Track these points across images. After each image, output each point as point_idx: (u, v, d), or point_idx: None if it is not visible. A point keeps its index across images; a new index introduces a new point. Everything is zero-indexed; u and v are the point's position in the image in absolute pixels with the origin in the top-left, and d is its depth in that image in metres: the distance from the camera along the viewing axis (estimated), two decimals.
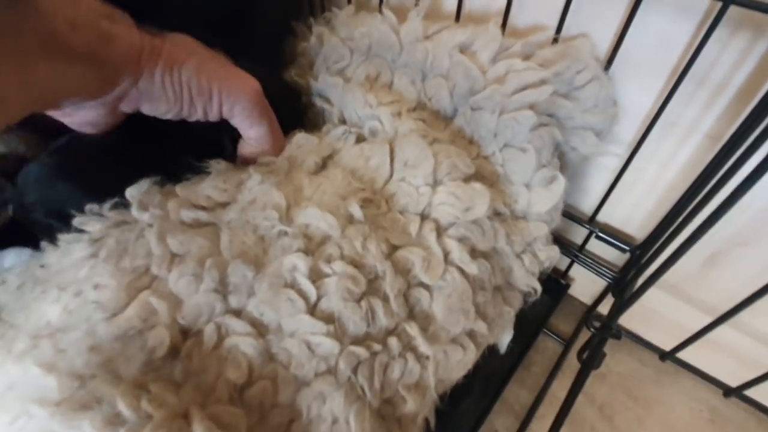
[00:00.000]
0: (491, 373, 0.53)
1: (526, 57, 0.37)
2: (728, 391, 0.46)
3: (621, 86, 0.39)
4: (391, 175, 0.37)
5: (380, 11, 0.46)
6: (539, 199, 0.37)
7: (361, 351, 0.28)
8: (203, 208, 0.32)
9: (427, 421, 0.33)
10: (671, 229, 0.39)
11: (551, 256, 0.38)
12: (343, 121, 0.44)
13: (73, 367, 0.24)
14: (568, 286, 0.61)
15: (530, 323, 0.57)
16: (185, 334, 0.27)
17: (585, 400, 0.54)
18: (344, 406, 0.27)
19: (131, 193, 0.32)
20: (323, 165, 0.39)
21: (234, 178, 0.35)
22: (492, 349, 0.39)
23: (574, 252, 0.54)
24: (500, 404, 0.52)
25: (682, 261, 0.34)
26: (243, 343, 0.26)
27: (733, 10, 0.30)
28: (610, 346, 0.49)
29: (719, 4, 0.30)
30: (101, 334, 0.26)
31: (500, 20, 0.40)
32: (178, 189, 0.33)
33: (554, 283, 0.61)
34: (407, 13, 0.43)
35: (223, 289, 0.28)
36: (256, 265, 0.29)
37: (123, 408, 0.22)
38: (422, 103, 0.42)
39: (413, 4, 0.46)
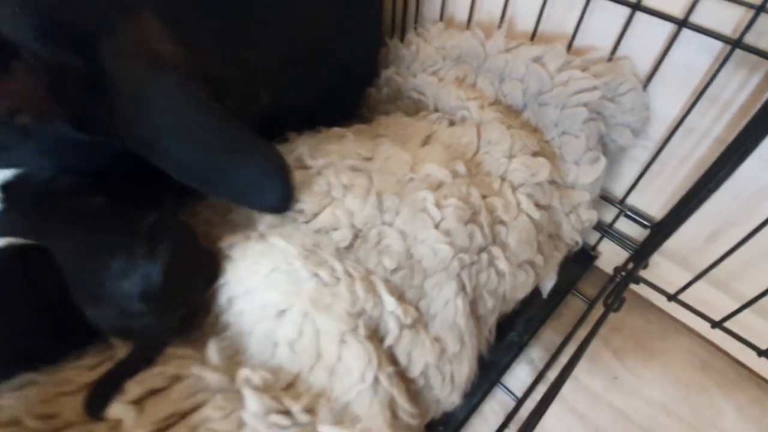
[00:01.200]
0: (531, 317, 0.67)
1: (584, 69, 0.51)
2: (714, 324, 0.59)
3: (655, 98, 0.53)
4: (478, 150, 0.51)
5: (467, 28, 0.61)
6: (585, 173, 0.51)
7: (465, 257, 0.43)
8: (356, 159, 0.47)
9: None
10: (684, 212, 0.53)
11: (591, 218, 0.52)
12: (435, 110, 0.59)
13: (302, 242, 0.39)
14: (595, 257, 0.74)
15: (563, 284, 0.71)
16: (356, 235, 0.42)
17: (603, 345, 0.68)
18: (454, 293, 0.42)
19: (301, 149, 0.47)
20: (426, 141, 0.53)
21: (368, 143, 0.50)
22: (535, 294, 0.53)
23: (604, 228, 0.68)
24: (536, 341, 0.66)
25: (690, 236, 0.47)
26: (394, 243, 0.41)
27: (738, 52, 0.44)
28: (626, 308, 0.63)
29: (729, 47, 0.44)
30: (304, 229, 0.41)
31: (566, 42, 0.54)
32: (332, 147, 0.48)
33: (584, 254, 0.74)
34: (489, 31, 0.58)
35: (380, 208, 0.43)
36: (399, 197, 0.43)
37: (335, 264, 0.37)
38: (498, 100, 0.57)
39: (494, 24, 0.60)
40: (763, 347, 0.54)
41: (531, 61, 0.52)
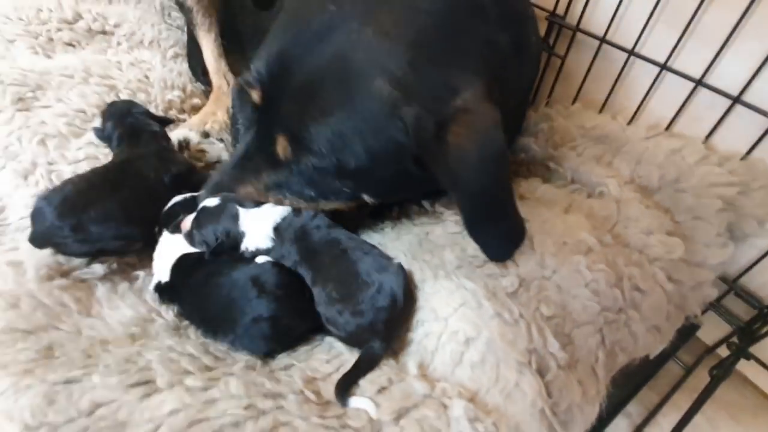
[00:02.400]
0: (632, 373, 0.72)
1: (720, 164, 0.59)
2: None
3: None
4: (617, 223, 0.59)
5: (600, 111, 0.70)
6: (713, 255, 0.58)
7: (609, 315, 0.51)
8: None
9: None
10: None
11: (712, 295, 0.59)
12: (572, 181, 0.68)
13: (484, 283, 0.48)
14: (698, 327, 0.79)
15: (666, 349, 0.76)
16: (520, 283, 0.51)
17: (698, 413, 0.72)
18: (597, 344, 0.50)
19: None
20: (567, 209, 0.62)
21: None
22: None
23: (712, 302, 0.73)
24: (635, 399, 0.72)
25: None
26: (552, 294, 0.50)
27: None
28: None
29: None
30: (479, 273, 0.51)
31: (702, 137, 0.62)
32: None
33: (689, 325, 0.79)
34: (622, 116, 0.67)
35: (541, 264, 0.52)
36: (556, 257, 0.52)
37: (512, 307, 0.46)
38: (633, 179, 0.65)
39: (624, 110, 0.69)
40: None
41: (671, 151, 0.60)
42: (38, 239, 0.48)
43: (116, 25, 0.88)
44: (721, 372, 0.63)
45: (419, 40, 0.45)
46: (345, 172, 0.47)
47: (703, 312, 0.77)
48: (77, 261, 0.52)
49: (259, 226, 0.50)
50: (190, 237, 0.50)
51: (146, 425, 0.37)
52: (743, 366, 0.73)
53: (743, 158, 0.60)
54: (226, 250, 0.49)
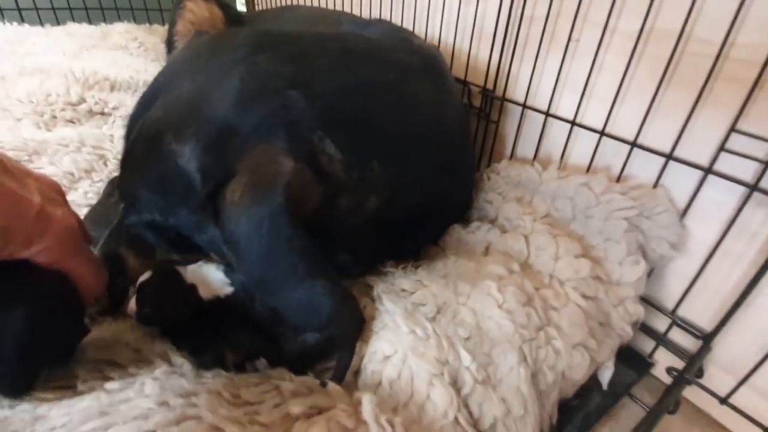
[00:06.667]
0: (588, 413, 0.71)
1: (623, 194, 0.65)
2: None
3: (692, 223, 0.64)
4: (529, 254, 0.64)
5: (532, 164, 0.77)
6: (628, 272, 0.61)
7: (525, 333, 0.53)
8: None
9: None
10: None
11: (637, 312, 0.61)
12: (491, 221, 0.73)
13: (404, 306, 0.51)
14: (652, 364, 0.79)
15: (619, 387, 0.75)
16: (438, 310, 0.54)
17: None
18: (517, 361, 0.51)
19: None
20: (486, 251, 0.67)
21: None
22: (592, 393, 0.60)
23: (660, 336, 0.74)
24: None
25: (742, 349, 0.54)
26: (467, 317, 0.52)
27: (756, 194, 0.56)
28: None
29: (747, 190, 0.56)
30: (404, 301, 0.54)
31: (610, 173, 0.69)
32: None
33: (641, 361, 0.79)
34: (547, 165, 0.74)
35: (455, 292, 0.55)
36: (470, 284, 0.56)
37: (426, 324, 0.49)
38: (549, 213, 0.70)
39: (551, 160, 0.77)
40: None
41: (579, 185, 0.67)
42: None
43: (114, 108, 1.01)
44: (667, 400, 0.62)
45: (213, 102, 0.47)
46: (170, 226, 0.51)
47: (655, 348, 0.78)
48: None
49: (206, 274, 0.52)
50: (141, 316, 0.50)
51: None
52: (699, 397, 0.72)
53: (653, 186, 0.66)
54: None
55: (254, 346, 0.50)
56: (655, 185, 0.66)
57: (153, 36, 1.54)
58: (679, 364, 0.74)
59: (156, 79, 0.57)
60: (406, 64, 0.64)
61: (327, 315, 0.43)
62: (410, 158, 0.59)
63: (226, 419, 0.38)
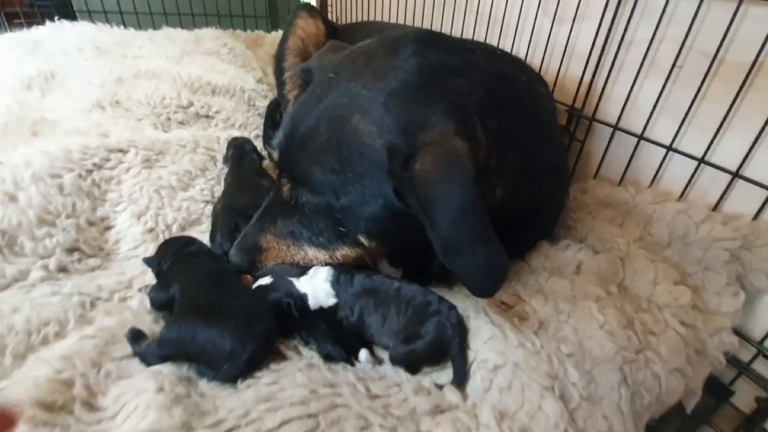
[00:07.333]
0: None
1: (725, 224, 0.65)
2: None
3: None
4: (624, 277, 0.65)
5: (621, 185, 0.79)
6: (726, 303, 0.62)
7: (626, 354, 0.55)
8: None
9: None
10: None
11: (732, 342, 0.62)
12: (581, 240, 0.75)
13: (510, 320, 0.55)
14: (732, 393, 0.79)
15: (699, 413, 0.76)
16: (540, 325, 0.57)
17: None
18: (618, 382, 0.53)
19: None
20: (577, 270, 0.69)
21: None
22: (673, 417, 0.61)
23: (743, 366, 0.74)
24: None
25: None
26: (570, 335, 0.55)
27: None
28: None
29: None
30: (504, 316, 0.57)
31: (705, 201, 0.69)
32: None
33: (721, 389, 0.79)
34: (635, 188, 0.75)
35: (556, 309, 0.58)
36: (570, 303, 0.58)
37: (534, 339, 0.52)
38: (643, 237, 0.72)
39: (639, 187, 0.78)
40: None
41: (677, 212, 0.68)
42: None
43: (217, 112, 1.15)
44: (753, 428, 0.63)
45: (394, 90, 0.53)
46: (335, 207, 0.55)
47: (736, 377, 0.77)
48: None
49: (316, 286, 0.58)
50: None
51: None
52: None
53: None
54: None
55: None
56: (756, 217, 0.67)
57: (238, 41, 1.64)
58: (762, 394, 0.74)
59: (320, 79, 0.61)
60: (528, 71, 0.70)
61: (502, 276, 0.49)
62: (535, 154, 0.63)
63: (368, 409, 0.43)
